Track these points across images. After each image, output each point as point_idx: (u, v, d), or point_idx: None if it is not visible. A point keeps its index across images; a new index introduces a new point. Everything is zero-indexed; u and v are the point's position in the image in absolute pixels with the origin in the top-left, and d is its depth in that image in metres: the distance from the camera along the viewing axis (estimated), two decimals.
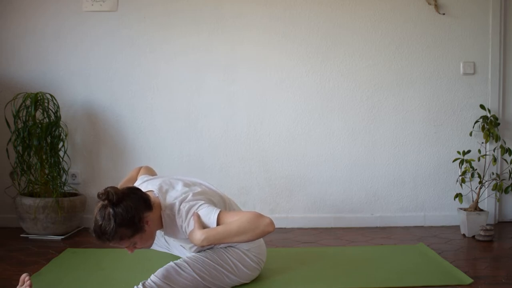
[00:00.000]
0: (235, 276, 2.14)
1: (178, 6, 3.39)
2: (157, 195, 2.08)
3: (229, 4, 3.40)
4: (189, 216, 2.00)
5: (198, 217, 1.98)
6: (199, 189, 2.14)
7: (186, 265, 2.02)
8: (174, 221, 2.05)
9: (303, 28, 3.43)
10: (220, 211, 1.99)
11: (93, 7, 3.37)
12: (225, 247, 2.17)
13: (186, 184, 2.17)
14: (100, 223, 1.88)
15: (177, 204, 2.04)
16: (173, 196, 2.08)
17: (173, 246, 2.67)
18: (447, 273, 2.39)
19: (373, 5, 3.44)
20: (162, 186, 2.13)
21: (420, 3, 3.44)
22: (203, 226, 1.98)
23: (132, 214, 1.89)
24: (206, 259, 2.08)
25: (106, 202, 1.89)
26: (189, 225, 2.00)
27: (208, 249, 2.18)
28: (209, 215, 1.98)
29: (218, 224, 1.97)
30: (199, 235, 1.93)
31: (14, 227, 3.26)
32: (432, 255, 2.71)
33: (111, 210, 1.87)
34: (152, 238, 2.04)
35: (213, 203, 2.09)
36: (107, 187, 1.92)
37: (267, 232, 1.95)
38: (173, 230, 2.09)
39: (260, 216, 1.95)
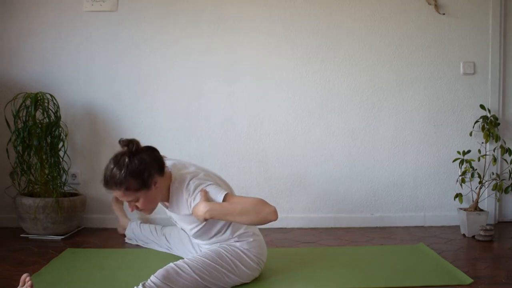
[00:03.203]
0: (235, 276, 2.14)
1: (178, 6, 3.39)
2: (170, 170, 2.15)
3: (229, 4, 3.40)
4: (196, 191, 2.04)
5: (206, 193, 2.02)
6: (210, 174, 2.19)
7: (186, 266, 2.03)
8: (181, 195, 2.09)
9: (303, 28, 3.43)
10: (227, 193, 2.03)
11: (93, 7, 3.37)
12: (225, 247, 2.19)
13: (198, 168, 2.22)
14: (112, 167, 1.97)
15: (187, 178, 2.09)
16: (185, 172, 2.14)
17: (173, 245, 2.68)
18: (447, 273, 2.39)
19: (373, 5, 3.44)
20: (176, 165, 2.20)
21: (420, 3, 3.45)
22: (212, 200, 2.02)
23: (144, 168, 1.97)
24: (206, 260, 2.09)
25: (125, 149, 1.99)
26: (195, 199, 2.04)
27: (207, 249, 2.20)
28: (217, 194, 2.02)
29: None
30: (203, 207, 1.96)
31: (14, 227, 3.25)
32: (432, 255, 2.71)
33: (126, 158, 1.96)
34: (154, 203, 2.08)
35: (219, 186, 2.12)
36: (131, 138, 2.02)
37: (269, 220, 1.96)
38: (178, 204, 2.12)
39: (265, 203, 1.98)
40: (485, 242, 3.03)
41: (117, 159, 1.98)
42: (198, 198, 2.03)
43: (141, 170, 1.97)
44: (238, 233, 2.22)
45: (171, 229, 2.74)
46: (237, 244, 2.21)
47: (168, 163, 2.20)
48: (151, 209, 2.11)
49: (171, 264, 2.02)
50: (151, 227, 2.89)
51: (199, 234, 2.21)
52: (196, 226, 2.16)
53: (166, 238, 2.74)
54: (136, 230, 2.94)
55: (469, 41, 3.47)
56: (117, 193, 2.00)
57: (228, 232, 2.22)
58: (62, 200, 3.04)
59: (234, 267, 2.14)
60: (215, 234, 2.22)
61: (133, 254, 2.76)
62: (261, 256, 2.25)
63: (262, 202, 1.97)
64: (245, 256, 2.18)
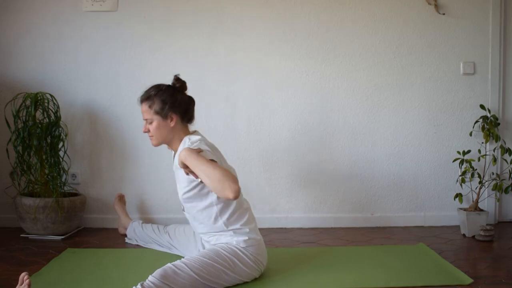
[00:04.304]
0: (233, 273, 2.16)
1: (178, 6, 3.39)
2: (193, 131, 2.37)
3: (229, 4, 3.40)
4: (194, 146, 2.15)
5: (200, 150, 2.10)
6: (219, 154, 2.31)
7: (183, 265, 2.04)
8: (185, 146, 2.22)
9: (303, 28, 3.43)
10: (215, 161, 2.08)
11: (93, 7, 3.37)
12: (222, 245, 2.22)
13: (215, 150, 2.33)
14: (152, 86, 2.33)
15: (198, 139, 2.24)
16: (201, 136, 2.33)
17: (176, 241, 2.72)
18: (447, 273, 2.39)
19: (373, 5, 3.44)
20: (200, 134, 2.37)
21: (420, 3, 3.45)
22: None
23: (171, 101, 2.27)
24: (203, 258, 2.12)
25: (172, 82, 2.33)
26: None
27: (206, 249, 2.23)
28: (207, 156, 2.07)
29: None
30: (185, 150, 2.04)
31: (14, 227, 3.26)
32: (432, 255, 2.71)
33: (165, 87, 2.31)
34: (162, 135, 2.30)
35: (216, 157, 2.15)
36: (183, 80, 2.35)
37: (226, 194, 1.94)
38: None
39: (234, 179, 1.95)
40: (485, 242, 3.03)
41: (159, 84, 2.33)
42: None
43: (168, 100, 2.27)
44: (233, 227, 2.25)
45: (176, 226, 2.79)
46: (234, 242, 2.23)
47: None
48: (157, 139, 2.31)
49: (169, 264, 2.03)
50: (154, 226, 2.91)
51: (189, 199, 2.26)
52: (186, 186, 2.24)
53: (169, 235, 2.76)
54: (137, 229, 2.95)
55: (469, 41, 3.47)
56: (143, 108, 2.31)
57: (221, 221, 2.24)
58: (62, 200, 3.04)
59: (232, 264, 2.16)
60: (204, 211, 2.25)
61: (133, 254, 2.76)
62: (259, 256, 2.26)
63: (232, 178, 1.95)
64: (241, 254, 2.20)
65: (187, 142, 2.24)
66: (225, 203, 2.24)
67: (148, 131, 2.32)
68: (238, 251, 2.19)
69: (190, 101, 2.37)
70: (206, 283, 2.07)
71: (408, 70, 3.47)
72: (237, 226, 2.25)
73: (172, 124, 2.29)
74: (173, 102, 2.28)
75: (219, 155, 2.30)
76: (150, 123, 2.30)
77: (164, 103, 2.27)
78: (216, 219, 2.25)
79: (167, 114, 2.28)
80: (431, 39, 3.46)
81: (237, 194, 1.93)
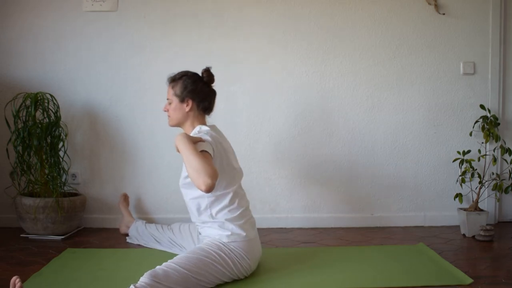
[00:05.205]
0: (220, 266, 2.18)
1: (178, 6, 3.39)
2: (209, 125, 2.47)
3: (229, 5, 3.40)
4: (198, 135, 2.27)
5: (201, 139, 2.20)
6: (221, 147, 2.32)
7: (172, 264, 2.07)
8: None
9: (303, 28, 3.43)
10: (207, 152, 2.13)
11: (93, 7, 3.37)
12: (207, 242, 2.26)
13: (223, 145, 2.38)
14: (181, 71, 2.49)
15: (207, 130, 2.35)
16: (212, 129, 2.42)
17: (180, 237, 2.77)
18: (447, 273, 2.39)
19: (373, 5, 3.44)
20: (216, 129, 2.49)
21: (420, 3, 3.45)
22: (193, 143, 2.12)
23: (191, 88, 2.41)
24: (190, 255, 2.15)
25: (202, 71, 2.49)
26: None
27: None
28: (201, 146, 2.14)
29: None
30: (179, 135, 2.13)
31: (14, 227, 3.26)
32: (432, 255, 2.71)
33: (194, 74, 2.47)
34: (177, 117, 2.43)
35: (212, 151, 2.20)
36: (211, 74, 2.50)
37: (199, 186, 1.98)
38: None
39: (210, 175, 1.96)
40: (485, 242, 3.03)
41: (187, 71, 2.48)
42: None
43: (189, 86, 2.41)
44: (218, 221, 2.29)
45: (181, 223, 2.82)
46: (217, 236, 2.27)
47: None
48: (172, 120, 2.45)
49: (157, 266, 2.06)
50: (157, 225, 2.95)
51: (186, 185, 2.34)
52: (185, 172, 2.31)
53: (173, 232, 2.80)
54: (140, 228, 2.97)
55: (469, 41, 3.47)
56: (168, 88, 2.46)
57: (208, 214, 2.31)
58: (62, 200, 3.04)
59: (218, 257, 2.18)
60: (195, 200, 2.31)
61: (133, 254, 2.76)
62: (243, 253, 2.27)
63: (209, 172, 1.97)
64: (224, 247, 2.23)
65: (196, 130, 2.36)
66: (216, 197, 2.29)
67: (167, 110, 2.46)
68: (221, 245, 2.23)
69: (211, 93, 2.50)
70: (197, 277, 2.09)
71: (408, 70, 3.47)
72: (223, 220, 2.29)
73: (187, 109, 2.41)
74: (193, 89, 2.41)
75: (223, 153, 2.32)
76: (170, 103, 2.44)
77: (184, 88, 2.41)
78: (205, 211, 2.31)
79: (185, 98, 2.41)
80: (431, 39, 3.46)
81: (209, 189, 1.96)
